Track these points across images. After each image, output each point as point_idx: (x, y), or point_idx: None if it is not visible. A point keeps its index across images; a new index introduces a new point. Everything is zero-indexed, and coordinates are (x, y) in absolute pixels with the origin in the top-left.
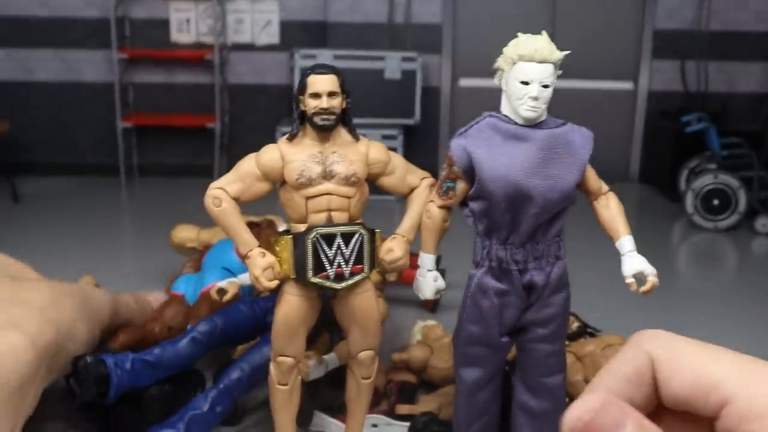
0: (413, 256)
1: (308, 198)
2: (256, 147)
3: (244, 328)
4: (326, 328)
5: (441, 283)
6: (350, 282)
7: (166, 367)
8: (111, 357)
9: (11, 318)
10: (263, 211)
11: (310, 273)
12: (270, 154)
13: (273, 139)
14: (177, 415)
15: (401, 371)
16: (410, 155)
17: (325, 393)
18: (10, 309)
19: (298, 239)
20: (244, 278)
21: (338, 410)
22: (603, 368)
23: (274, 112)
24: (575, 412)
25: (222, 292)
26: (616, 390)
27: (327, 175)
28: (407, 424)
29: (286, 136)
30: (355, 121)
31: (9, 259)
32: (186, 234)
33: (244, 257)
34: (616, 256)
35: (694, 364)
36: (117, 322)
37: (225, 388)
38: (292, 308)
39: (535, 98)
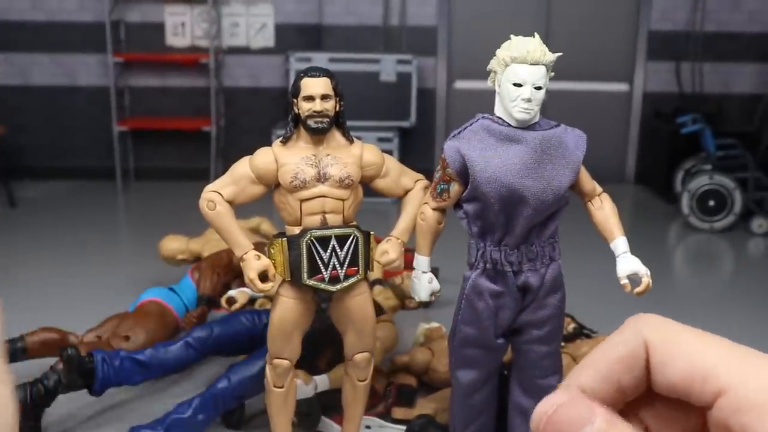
0: (408, 253)
1: (302, 200)
2: (252, 150)
3: (242, 339)
4: (330, 346)
5: (436, 284)
6: (345, 284)
7: (156, 367)
8: (101, 353)
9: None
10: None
11: (305, 275)
12: (264, 157)
13: (269, 142)
14: (160, 418)
15: (402, 374)
16: (406, 157)
17: (323, 393)
18: None
19: (293, 242)
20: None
21: (335, 410)
22: (596, 348)
23: (269, 115)
24: (541, 407)
25: (231, 300)
26: (605, 370)
27: (321, 178)
28: (402, 427)
29: (280, 139)
30: (351, 123)
31: None
32: (174, 245)
33: (239, 260)
34: (611, 258)
35: (689, 351)
36: None
37: (210, 397)
38: (286, 311)
39: (528, 100)
